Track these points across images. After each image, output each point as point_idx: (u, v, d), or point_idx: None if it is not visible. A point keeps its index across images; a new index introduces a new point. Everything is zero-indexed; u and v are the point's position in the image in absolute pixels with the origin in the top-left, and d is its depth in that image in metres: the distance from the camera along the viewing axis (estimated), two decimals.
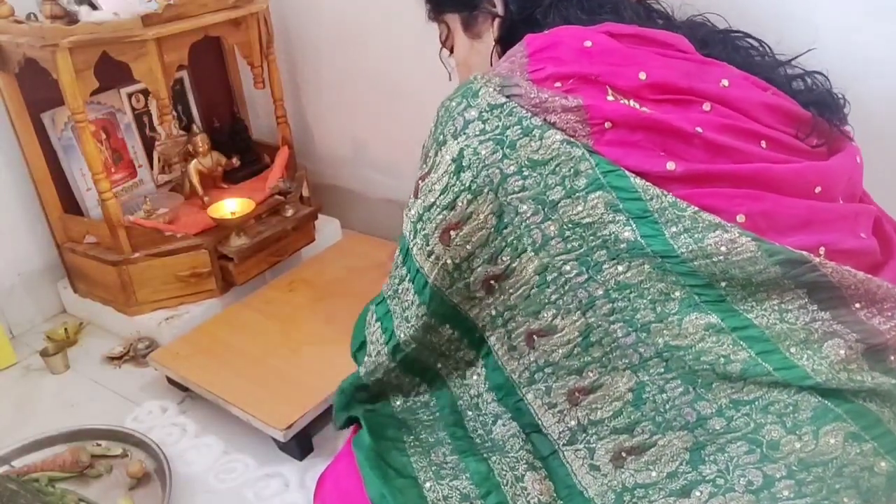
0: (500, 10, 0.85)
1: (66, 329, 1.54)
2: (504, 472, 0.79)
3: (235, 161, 1.66)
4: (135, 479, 1.13)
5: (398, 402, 0.90)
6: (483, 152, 0.71)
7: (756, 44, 0.83)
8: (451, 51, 0.97)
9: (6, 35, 1.30)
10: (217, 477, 1.16)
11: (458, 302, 0.80)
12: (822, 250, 0.68)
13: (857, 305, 0.67)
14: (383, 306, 0.87)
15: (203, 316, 1.47)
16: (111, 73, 1.35)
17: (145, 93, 1.62)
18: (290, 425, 1.13)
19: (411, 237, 0.79)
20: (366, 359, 0.88)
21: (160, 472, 1.13)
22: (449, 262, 0.76)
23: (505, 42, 0.84)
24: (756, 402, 0.66)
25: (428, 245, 0.77)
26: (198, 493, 1.13)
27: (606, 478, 0.73)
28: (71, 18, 1.31)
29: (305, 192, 1.71)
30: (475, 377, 0.83)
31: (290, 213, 1.57)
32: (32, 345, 1.51)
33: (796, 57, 0.83)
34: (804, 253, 0.66)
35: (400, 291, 0.83)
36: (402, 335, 0.83)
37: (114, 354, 1.44)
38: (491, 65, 0.87)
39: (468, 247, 0.75)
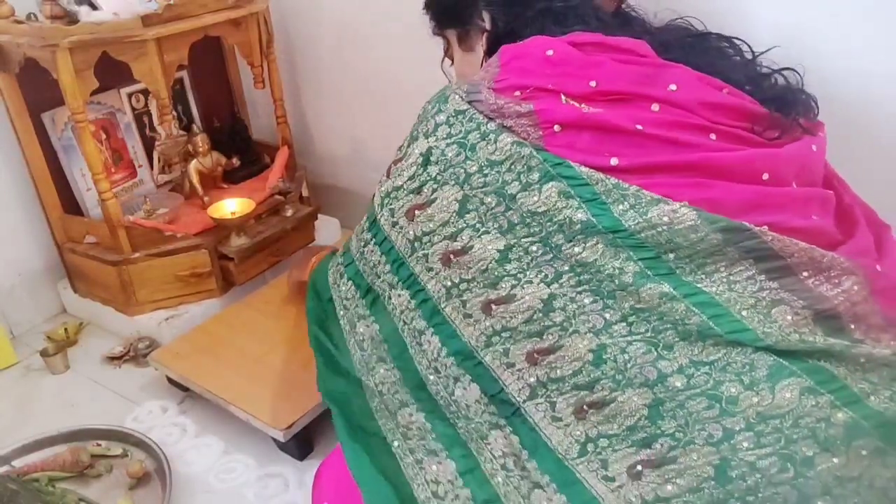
0: (488, 25, 0.94)
1: (66, 329, 1.54)
2: (469, 433, 0.83)
3: (235, 161, 1.66)
4: (135, 479, 1.13)
5: (356, 358, 0.95)
6: (449, 154, 0.83)
7: (727, 44, 0.89)
8: (452, 61, 1.05)
9: (6, 35, 1.30)
10: (217, 477, 1.16)
11: (417, 272, 0.87)
12: (765, 227, 0.73)
13: (805, 274, 0.73)
14: (353, 268, 0.98)
15: (203, 316, 1.47)
16: (111, 73, 1.35)
17: (145, 93, 1.62)
18: (290, 425, 1.13)
19: (379, 209, 0.91)
20: (341, 312, 0.98)
21: (160, 472, 1.13)
22: (411, 233, 0.86)
23: (492, 53, 0.91)
24: (715, 363, 0.71)
25: (393, 217, 0.88)
26: (198, 493, 1.13)
27: (569, 428, 0.77)
28: (71, 18, 1.31)
29: (305, 192, 1.72)
30: (427, 344, 0.87)
31: (290, 213, 1.57)
32: (32, 345, 1.51)
33: (760, 54, 0.88)
34: (744, 222, 0.72)
35: (366, 252, 0.95)
36: (378, 288, 0.93)
37: (114, 354, 1.45)
38: None
39: (430, 224, 0.84)
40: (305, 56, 1.76)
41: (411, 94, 1.56)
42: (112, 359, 1.45)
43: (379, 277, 0.92)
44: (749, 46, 0.89)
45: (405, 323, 0.90)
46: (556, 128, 0.78)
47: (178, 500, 1.10)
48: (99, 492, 1.13)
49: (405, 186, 0.86)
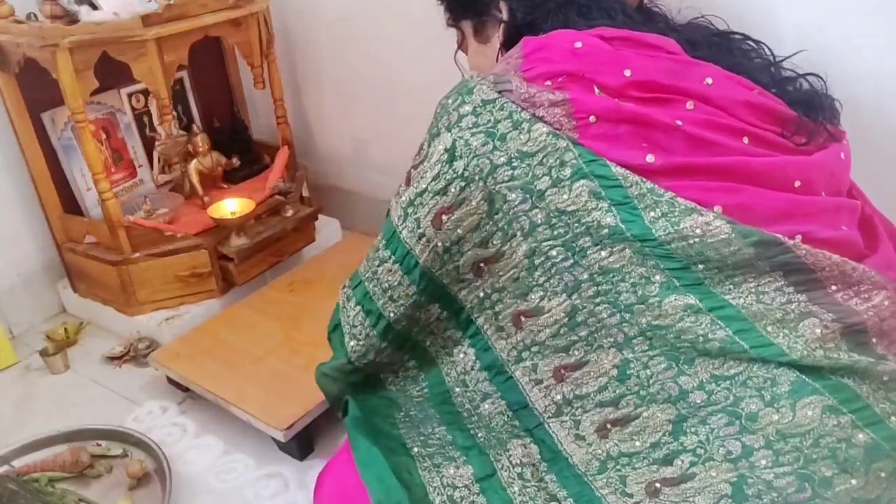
0: (505, 16, 0.90)
1: (66, 329, 1.54)
2: (489, 440, 0.83)
3: (235, 161, 1.66)
4: (135, 479, 1.13)
5: (389, 380, 0.93)
6: (474, 143, 0.76)
7: (753, 45, 0.86)
8: (467, 53, 1.02)
9: (6, 35, 1.30)
10: (217, 477, 1.16)
11: (447, 283, 0.83)
12: (798, 238, 0.71)
13: (834, 288, 0.71)
14: (361, 289, 0.90)
15: (203, 316, 1.47)
16: (111, 73, 1.35)
17: (145, 93, 1.62)
18: (290, 425, 1.13)
19: (400, 221, 0.83)
20: (352, 343, 0.91)
21: (160, 472, 1.13)
22: (439, 244, 0.80)
23: (509, 46, 0.88)
24: (736, 378, 0.69)
25: (419, 228, 0.81)
26: (198, 493, 1.13)
27: (591, 447, 0.76)
28: (71, 18, 1.31)
29: (305, 193, 1.71)
30: (461, 355, 0.86)
31: (290, 213, 1.57)
32: (32, 345, 1.51)
33: (787, 58, 0.85)
34: (777, 235, 0.70)
35: (380, 273, 0.87)
36: (391, 315, 0.87)
37: (114, 354, 1.44)
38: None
39: (459, 230, 0.79)
40: (305, 56, 1.76)
41: (412, 94, 1.57)
42: (112, 359, 1.44)
43: (395, 301, 0.86)
44: (770, 50, 0.86)
45: (432, 333, 0.88)
46: (592, 119, 0.74)
47: (178, 500, 1.10)
48: (99, 492, 1.13)
49: (430, 189, 0.79)
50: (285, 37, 1.74)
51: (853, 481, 0.64)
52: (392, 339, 0.89)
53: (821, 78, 0.83)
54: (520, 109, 0.75)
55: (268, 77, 1.58)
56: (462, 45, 1.01)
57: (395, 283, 0.86)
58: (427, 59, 1.10)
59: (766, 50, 0.86)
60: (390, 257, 0.86)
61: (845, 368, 0.67)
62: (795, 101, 0.80)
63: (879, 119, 1.06)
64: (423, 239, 0.81)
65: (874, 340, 0.70)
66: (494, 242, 0.78)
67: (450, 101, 0.80)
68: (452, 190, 0.78)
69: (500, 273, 0.79)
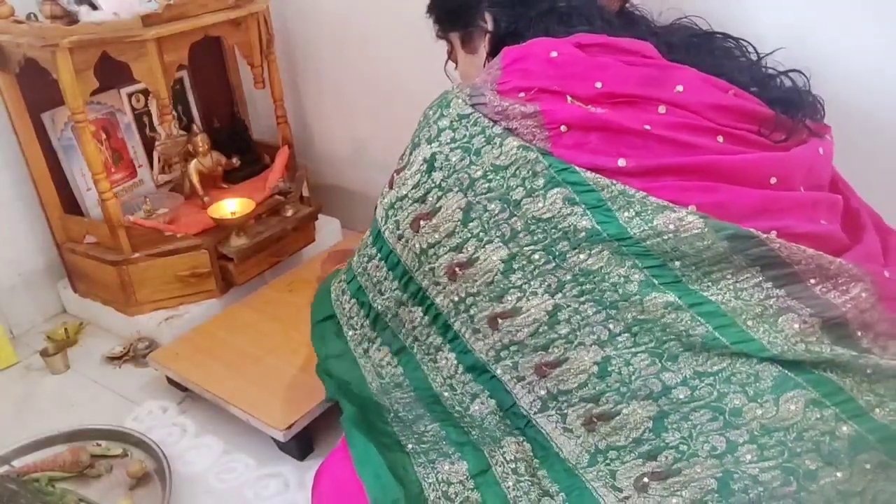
0: (490, 26, 0.92)
1: (66, 329, 1.54)
2: (483, 438, 0.83)
3: (235, 161, 1.66)
4: (135, 479, 1.13)
5: (374, 385, 0.94)
6: (453, 159, 0.80)
7: (734, 44, 0.88)
8: (456, 64, 1.04)
9: (6, 35, 1.30)
10: (217, 477, 1.16)
11: (425, 286, 0.86)
12: (773, 233, 0.72)
13: (812, 281, 0.71)
14: (354, 283, 0.96)
15: (203, 316, 1.47)
16: (111, 73, 1.35)
17: (145, 93, 1.62)
18: (290, 425, 1.13)
19: (383, 221, 0.88)
20: (350, 333, 0.97)
21: (160, 472, 1.13)
22: (417, 246, 0.84)
23: (495, 54, 0.89)
24: (719, 374, 0.70)
25: (399, 229, 0.86)
26: (198, 493, 1.13)
27: (580, 439, 0.77)
28: (71, 18, 1.31)
29: (305, 192, 1.71)
30: (444, 360, 0.87)
31: (290, 213, 1.57)
32: (32, 345, 1.51)
33: (766, 55, 0.87)
34: (751, 230, 0.71)
35: (369, 268, 0.93)
36: (379, 306, 0.93)
37: (114, 354, 1.45)
38: None
39: (436, 235, 0.82)
40: (305, 56, 1.76)
41: (412, 94, 1.57)
42: (112, 359, 1.44)
43: (382, 294, 0.91)
44: (754, 48, 0.87)
45: (417, 339, 0.90)
46: (563, 128, 0.76)
47: (178, 500, 1.10)
48: (99, 492, 1.13)
49: (409, 195, 0.84)
50: (285, 37, 1.75)
51: (838, 474, 0.65)
52: (381, 330, 0.94)
53: (803, 74, 0.85)
54: (492, 124, 0.79)
55: (268, 77, 1.58)
56: (452, 55, 1.04)
57: (382, 278, 0.91)
58: (427, 60, 1.11)
59: (749, 47, 0.88)
60: (377, 254, 0.91)
61: (827, 362, 0.68)
62: (775, 99, 0.81)
63: (869, 115, 1.06)
64: (403, 239, 0.86)
65: (858, 333, 0.71)
66: (468, 248, 0.80)
67: (431, 112, 0.84)
68: (430, 199, 0.82)
69: (475, 277, 0.81)
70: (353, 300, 0.96)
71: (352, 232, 1.77)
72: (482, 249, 0.79)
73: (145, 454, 1.18)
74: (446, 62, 1.06)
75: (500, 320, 0.80)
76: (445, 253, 0.82)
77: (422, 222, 0.83)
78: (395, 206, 0.86)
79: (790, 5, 1.07)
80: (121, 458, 1.18)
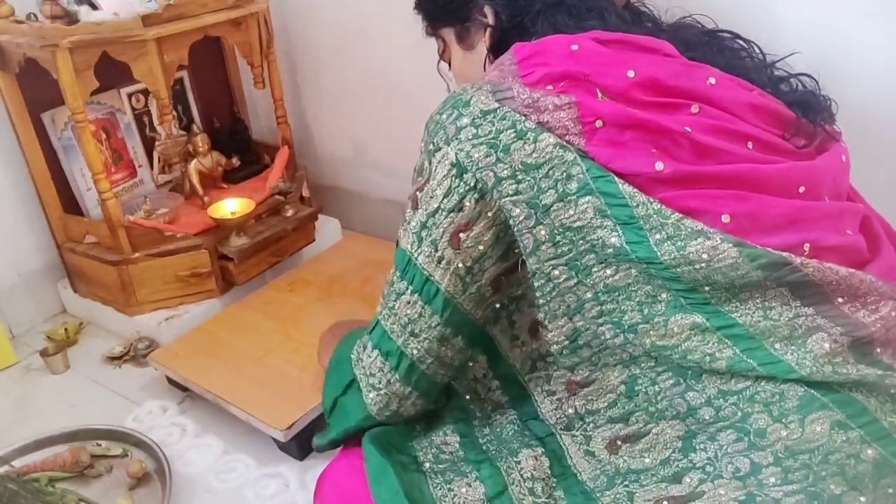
0: (490, 20, 0.86)
1: (66, 329, 1.54)
2: (500, 451, 0.81)
3: (235, 161, 1.66)
4: (135, 479, 1.13)
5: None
6: (476, 155, 0.71)
7: (744, 44, 0.84)
8: (450, 64, 0.98)
9: (6, 35, 1.30)
10: (217, 477, 1.16)
11: (470, 309, 0.78)
12: (806, 247, 0.69)
13: (841, 300, 0.68)
14: (378, 330, 0.83)
15: (203, 316, 1.47)
16: (111, 73, 1.35)
17: (145, 93, 1.62)
18: (290, 425, 1.13)
19: (415, 248, 0.77)
20: (371, 395, 0.83)
21: (160, 472, 1.13)
22: (461, 265, 0.75)
23: (497, 50, 0.85)
24: (743, 392, 0.68)
25: (437, 251, 0.76)
26: (198, 493, 1.13)
27: (601, 463, 0.75)
28: (71, 18, 1.31)
29: (305, 193, 1.71)
30: (471, 363, 0.84)
31: (290, 213, 1.57)
32: (32, 345, 1.51)
33: (782, 58, 0.83)
34: (785, 254, 0.67)
35: (397, 308, 0.80)
36: (414, 352, 0.80)
37: (114, 354, 1.45)
38: (485, 70, 0.88)
39: (480, 247, 0.74)
40: (305, 56, 1.76)
41: (412, 94, 1.57)
42: (112, 359, 1.44)
43: (417, 337, 0.79)
44: (760, 49, 0.84)
45: (457, 377, 0.85)
46: (599, 123, 0.70)
47: (178, 500, 1.10)
48: (99, 492, 1.13)
49: (443, 207, 0.74)
50: (285, 37, 1.75)
51: (862, 499, 0.63)
52: (416, 382, 0.82)
53: (813, 78, 0.82)
54: (523, 118, 0.70)
55: (268, 77, 1.58)
56: (444, 54, 0.98)
57: (416, 316, 0.79)
58: (427, 60, 1.10)
59: (756, 49, 0.84)
60: (407, 288, 0.79)
61: (854, 383, 0.66)
62: (793, 101, 0.78)
63: (874, 119, 1.06)
64: (443, 262, 0.75)
65: (878, 350, 0.69)
66: (515, 251, 0.74)
67: (444, 115, 0.75)
68: (468, 204, 0.72)
69: (521, 281, 0.75)
70: (376, 351, 0.83)
71: (351, 232, 1.77)
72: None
73: (145, 454, 1.18)
74: (439, 61, 1.01)
75: (539, 328, 0.77)
76: (492, 265, 0.75)
77: (461, 235, 0.74)
78: (428, 226, 0.75)
79: (796, 3, 1.06)
80: (121, 458, 1.18)
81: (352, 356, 0.87)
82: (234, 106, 1.81)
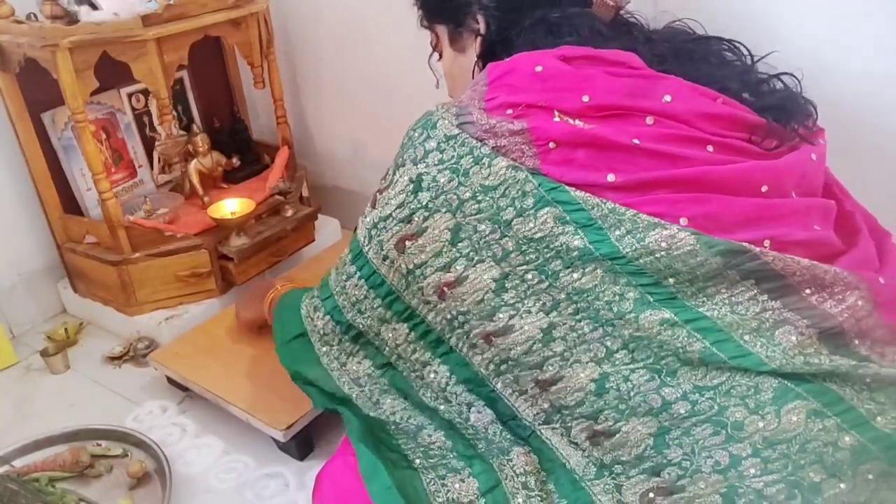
0: (482, 28, 0.91)
1: (66, 329, 1.54)
2: (490, 451, 0.82)
3: (235, 161, 1.66)
4: (135, 479, 1.13)
5: (353, 393, 0.93)
6: (441, 180, 0.80)
7: (727, 48, 0.86)
8: (440, 56, 1.02)
9: (6, 35, 1.30)
10: (217, 477, 1.16)
11: (414, 305, 0.86)
12: (766, 243, 0.71)
13: (808, 292, 0.71)
14: (331, 301, 0.96)
15: (203, 316, 1.47)
16: (111, 73, 1.35)
17: (145, 93, 1.62)
18: (290, 425, 1.13)
19: (366, 241, 0.88)
20: (325, 349, 0.97)
21: (160, 472, 1.13)
22: (403, 266, 0.84)
23: (486, 58, 0.89)
24: (720, 387, 0.69)
25: (382, 250, 0.86)
26: (198, 493, 1.13)
27: (585, 452, 0.77)
28: (71, 18, 1.31)
29: (305, 193, 1.71)
30: (432, 375, 0.87)
31: (290, 213, 1.57)
32: (32, 345, 1.51)
33: (762, 58, 0.86)
34: (744, 243, 0.70)
35: (348, 287, 0.93)
36: (360, 325, 0.93)
37: (114, 354, 1.44)
38: (472, 77, 0.93)
39: (422, 255, 0.82)
40: (305, 56, 1.76)
41: (412, 95, 1.57)
42: (112, 359, 1.44)
43: (363, 314, 0.91)
44: (748, 50, 0.86)
45: (401, 357, 0.89)
46: (552, 145, 0.76)
47: (178, 500, 1.10)
48: (99, 492, 1.13)
49: (394, 215, 0.83)
50: (285, 37, 1.75)
51: (841, 485, 0.64)
52: (364, 345, 0.94)
53: (794, 77, 0.84)
54: (480, 144, 0.78)
55: (268, 77, 1.58)
56: (436, 47, 1.01)
57: (361, 297, 0.91)
58: (426, 60, 1.11)
59: (743, 49, 0.86)
60: (356, 273, 0.91)
61: (827, 373, 0.67)
62: (768, 106, 0.80)
63: (875, 119, 1.06)
64: (388, 260, 0.85)
65: (856, 342, 0.70)
66: (456, 268, 0.80)
67: (416, 133, 0.83)
68: (416, 219, 0.81)
69: (464, 297, 0.80)
70: (328, 317, 0.96)
71: (351, 232, 1.77)
72: (472, 269, 0.79)
73: (145, 454, 1.18)
74: (430, 55, 1.04)
75: (493, 338, 0.79)
76: (433, 273, 0.81)
77: (407, 242, 0.82)
78: (379, 226, 0.85)
79: (784, 6, 1.07)
80: (121, 458, 1.18)
81: (301, 312, 1.01)
82: (234, 106, 1.81)
